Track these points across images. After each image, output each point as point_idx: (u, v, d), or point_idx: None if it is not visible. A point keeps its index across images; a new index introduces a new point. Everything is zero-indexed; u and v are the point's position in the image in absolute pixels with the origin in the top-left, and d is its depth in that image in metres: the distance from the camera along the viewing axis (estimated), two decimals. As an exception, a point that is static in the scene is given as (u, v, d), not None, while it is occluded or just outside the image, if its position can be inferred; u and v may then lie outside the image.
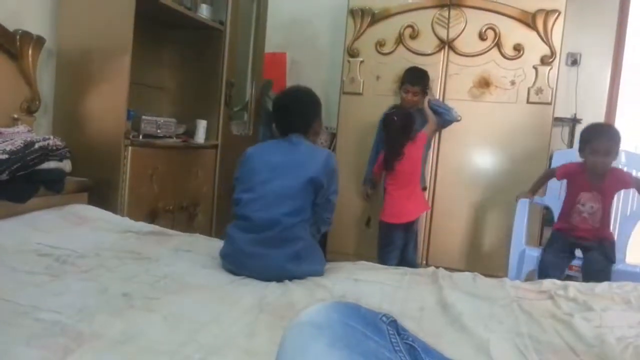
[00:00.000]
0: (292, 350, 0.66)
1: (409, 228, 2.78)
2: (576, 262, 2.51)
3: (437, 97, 3.18)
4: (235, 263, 1.60)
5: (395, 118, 2.67)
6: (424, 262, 3.22)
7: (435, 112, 2.87)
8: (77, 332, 1.06)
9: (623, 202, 2.75)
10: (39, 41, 2.29)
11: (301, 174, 1.66)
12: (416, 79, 2.88)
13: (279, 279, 1.54)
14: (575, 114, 3.57)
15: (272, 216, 1.61)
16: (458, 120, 2.92)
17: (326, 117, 3.87)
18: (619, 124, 3.56)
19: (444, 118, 2.88)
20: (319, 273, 1.65)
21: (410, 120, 2.68)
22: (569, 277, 2.56)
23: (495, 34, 3.11)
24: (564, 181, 2.61)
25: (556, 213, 2.77)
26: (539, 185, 2.76)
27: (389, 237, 2.73)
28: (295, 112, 1.81)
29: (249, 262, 1.57)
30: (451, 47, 3.19)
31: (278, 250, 1.58)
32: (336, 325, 0.67)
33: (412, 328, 1.20)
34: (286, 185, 1.65)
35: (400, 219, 2.71)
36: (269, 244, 1.59)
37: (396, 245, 2.73)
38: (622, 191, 2.76)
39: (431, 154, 3.16)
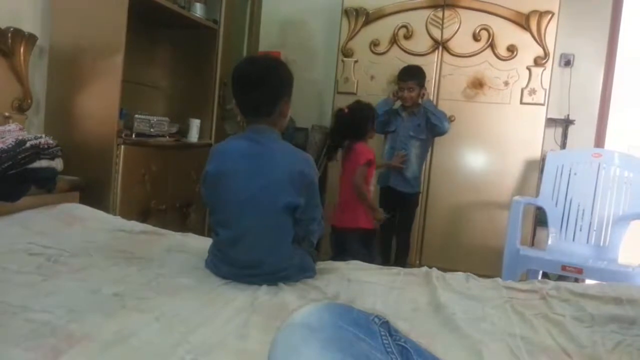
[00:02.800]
0: (283, 352, 0.66)
1: (338, 234, 2.57)
2: (569, 261, 2.52)
3: (431, 97, 3.18)
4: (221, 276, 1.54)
5: (346, 110, 2.52)
6: (418, 261, 3.22)
7: (427, 118, 2.85)
8: (68, 332, 1.05)
9: (615, 203, 2.77)
10: (31, 39, 2.27)
11: (276, 201, 1.48)
12: (408, 74, 2.88)
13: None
14: (568, 115, 3.58)
15: (252, 258, 1.49)
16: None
17: (320, 117, 3.91)
18: (611, 126, 3.59)
19: (433, 124, 2.85)
20: (311, 277, 1.62)
21: (363, 118, 2.52)
22: (562, 277, 2.58)
23: (489, 34, 3.12)
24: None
25: (549, 214, 2.78)
26: None
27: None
28: (260, 88, 1.50)
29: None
30: (445, 48, 3.20)
31: (263, 281, 1.48)
32: (328, 327, 0.67)
33: (405, 329, 1.20)
34: (262, 220, 1.49)
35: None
36: (252, 278, 1.49)
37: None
38: (615, 192, 2.78)
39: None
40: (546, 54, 3.05)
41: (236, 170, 1.51)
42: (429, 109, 2.86)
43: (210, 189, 1.58)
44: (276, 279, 1.50)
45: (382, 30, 3.31)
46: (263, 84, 1.51)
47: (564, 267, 2.52)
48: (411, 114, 2.90)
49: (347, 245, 2.50)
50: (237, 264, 1.50)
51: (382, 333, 0.71)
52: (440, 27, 3.19)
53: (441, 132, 2.92)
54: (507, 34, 3.10)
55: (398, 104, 2.91)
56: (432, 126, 2.86)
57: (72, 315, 1.14)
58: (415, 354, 0.72)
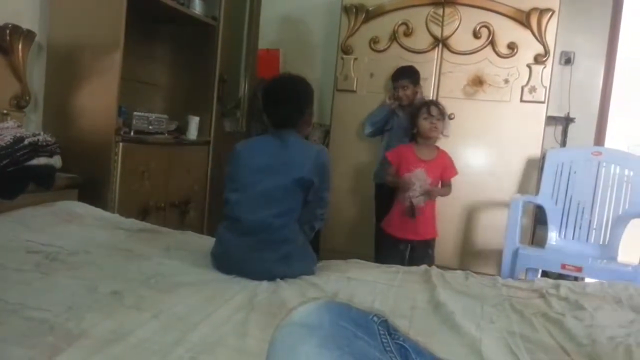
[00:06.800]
0: (282, 350, 0.66)
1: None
2: (569, 260, 2.52)
3: (431, 95, 3.18)
4: (226, 264, 1.59)
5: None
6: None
7: None
8: (66, 330, 1.05)
9: (615, 201, 2.76)
10: (29, 35, 2.26)
11: (290, 174, 1.62)
12: (400, 73, 2.93)
13: (270, 279, 1.53)
14: (568, 113, 3.57)
15: (262, 218, 1.59)
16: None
17: (320, 114, 3.90)
18: (611, 124, 3.58)
19: None
20: (311, 272, 1.64)
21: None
22: (562, 276, 2.58)
23: (489, 32, 3.11)
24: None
25: (549, 212, 2.76)
26: None
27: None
28: (288, 103, 1.73)
29: (240, 264, 1.56)
30: (445, 45, 3.18)
31: (268, 253, 1.57)
32: (327, 325, 0.66)
33: (404, 327, 1.20)
34: (275, 186, 1.62)
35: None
36: (259, 247, 1.58)
37: None
38: (615, 190, 2.78)
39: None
40: (546, 52, 3.04)
41: (262, 152, 1.71)
42: None
43: (233, 164, 1.72)
44: (283, 255, 1.58)
45: (381, 27, 3.30)
46: (290, 100, 1.74)
47: (563, 266, 2.52)
48: (407, 112, 2.90)
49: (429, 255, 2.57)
50: (245, 230, 1.60)
51: (381, 332, 0.71)
52: (441, 24, 3.18)
53: None
54: (507, 31, 3.09)
55: (395, 104, 2.93)
56: None
57: (70, 313, 1.13)
58: (414, 352, 0.72)
